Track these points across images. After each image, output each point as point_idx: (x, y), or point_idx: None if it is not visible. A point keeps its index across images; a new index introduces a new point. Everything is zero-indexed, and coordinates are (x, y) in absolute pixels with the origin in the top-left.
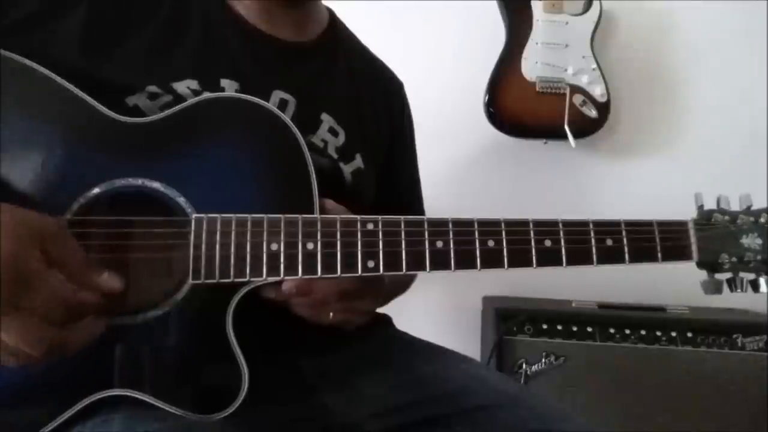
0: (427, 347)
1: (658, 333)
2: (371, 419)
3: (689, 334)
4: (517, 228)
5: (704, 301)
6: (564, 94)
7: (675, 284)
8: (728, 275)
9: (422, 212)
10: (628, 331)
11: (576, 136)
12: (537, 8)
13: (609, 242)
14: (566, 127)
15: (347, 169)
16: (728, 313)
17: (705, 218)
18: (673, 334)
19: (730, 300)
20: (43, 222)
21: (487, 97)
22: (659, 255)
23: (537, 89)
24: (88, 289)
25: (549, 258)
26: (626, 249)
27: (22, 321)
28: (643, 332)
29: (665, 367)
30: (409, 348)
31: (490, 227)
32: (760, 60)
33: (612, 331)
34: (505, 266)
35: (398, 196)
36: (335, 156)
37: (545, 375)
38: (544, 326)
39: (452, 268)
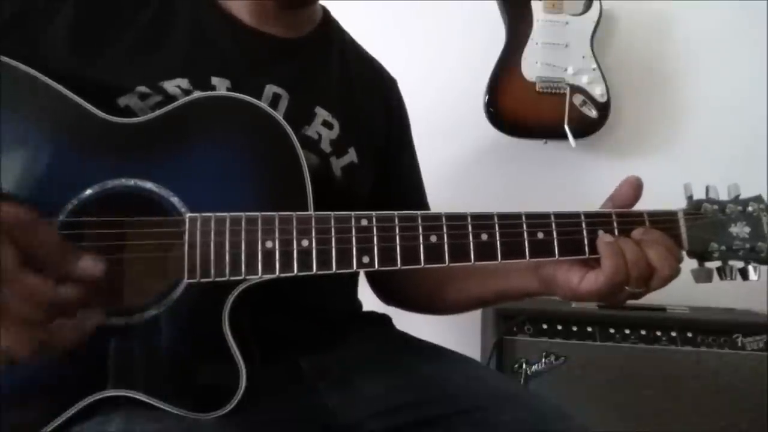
0: (427, 347)
1: (658, 333)
2: (371, 419)
3: (689, 334)
4: (510, 221)
5: (704, 301)
6: (564, 94)
7: (675, 284)
8: (718, 264)
9: (428, 206)
10: (628, 331)
11: (576, 136)
12: (537, 8)
13: (600, 233)
14: (566, 127)
15: (338, 164)
16: (728, 313)
17: (694, 208)
18: (673, 334)
19: (730, 300)
20: (9, 212)
21: (487, 97)
22: None
23: (537, 89)
24: (69, 278)
25: (542, 250)
26: None
27: (4, 323)
28: (643, 332)
29: (665, 367)
30: (409, 348)
31: (483, 221)
32: (760, 60)
33: (612, 331)
34: (499, 259)
35: (404, 193)
36: (328, 150)
37: (545, 375)
38: (544, 326)
39: (446, 262)
